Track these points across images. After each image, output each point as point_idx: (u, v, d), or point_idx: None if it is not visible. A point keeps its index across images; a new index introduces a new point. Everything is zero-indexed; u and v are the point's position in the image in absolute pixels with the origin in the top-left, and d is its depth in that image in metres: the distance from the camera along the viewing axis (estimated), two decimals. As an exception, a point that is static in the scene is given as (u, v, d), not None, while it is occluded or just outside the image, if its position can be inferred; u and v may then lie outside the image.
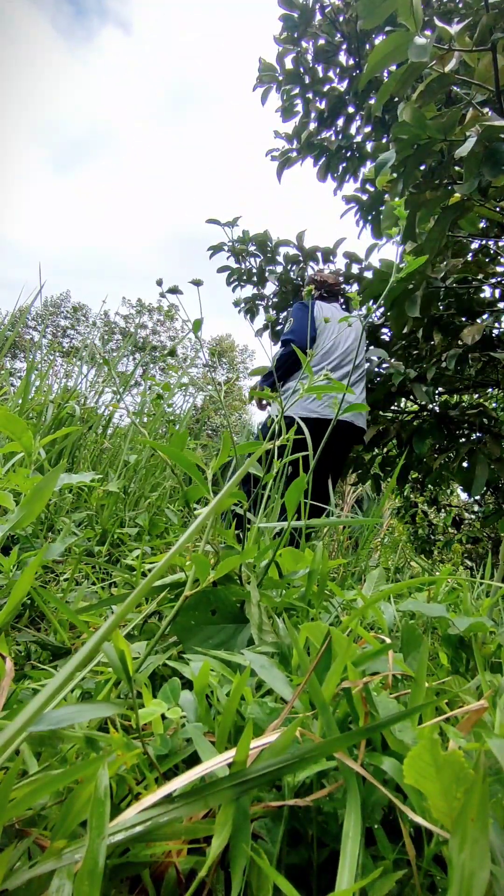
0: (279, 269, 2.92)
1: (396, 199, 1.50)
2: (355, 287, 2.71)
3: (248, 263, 2.95)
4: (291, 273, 2.89)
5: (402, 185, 1.47)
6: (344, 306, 2.25)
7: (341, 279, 2.38)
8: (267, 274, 2.93)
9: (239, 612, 0.56)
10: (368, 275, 2.67)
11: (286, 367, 2.02)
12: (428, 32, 1.31)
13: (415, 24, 1.22)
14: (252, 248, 2.86)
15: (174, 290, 0.75)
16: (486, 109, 1.39)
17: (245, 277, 2.97)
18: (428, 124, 1.34)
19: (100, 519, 1.03)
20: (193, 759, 0.35)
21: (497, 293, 2.09)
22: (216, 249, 2.92)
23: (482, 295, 2.06)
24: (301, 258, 2.84)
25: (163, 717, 0.37)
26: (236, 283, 3.01)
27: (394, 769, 0.29)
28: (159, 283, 0.75)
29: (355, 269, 2.72)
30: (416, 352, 2.37)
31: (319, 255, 2.80)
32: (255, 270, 2.93)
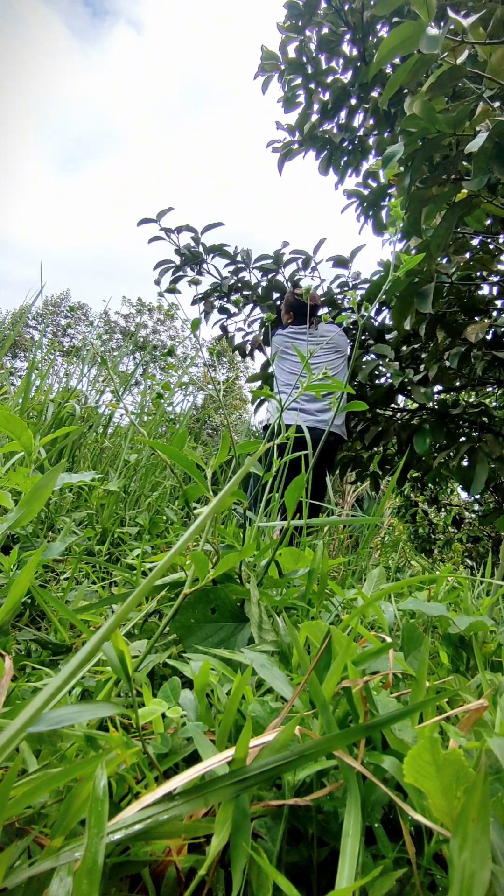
0: (257, 281, 2.74)
1: (403, 193, 1.49)
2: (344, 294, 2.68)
3: (200, 269, 2.73)
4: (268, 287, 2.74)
5: (410, 180, 1.45)
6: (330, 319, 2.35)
7: (313, 293, 2.38)
8: (264, 295, 2.74)
9: (239, 610, 0.56)
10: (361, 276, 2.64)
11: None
12: (434, 23, 1.30)
13: (427, 13, 1.20)
14: (213, 259, 2.66)
15: (172, 290, 0.75)
16: (496, 104, 1.38)
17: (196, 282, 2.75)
18: (438, 118, 1.33)
19: (100, 518, 1.03)
20: (193, 758, 0.35)
21: (495, 291, 2.08)
22: (156, 239, 2.60)
23: (481, 293, 2.05)
24: (277, 267, 2.70)
25: (163, 716, 0.37)
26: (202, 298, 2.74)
27: (394, 768, 0.29)
28: (157, 282, 0.75)
29: (343, 273, 2.66)
30: (423, 354, 2.36)
31: (300, 261, 2.69)
32: (221, 281, 2.73)
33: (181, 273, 2.78)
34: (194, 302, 2.91)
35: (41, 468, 1.06)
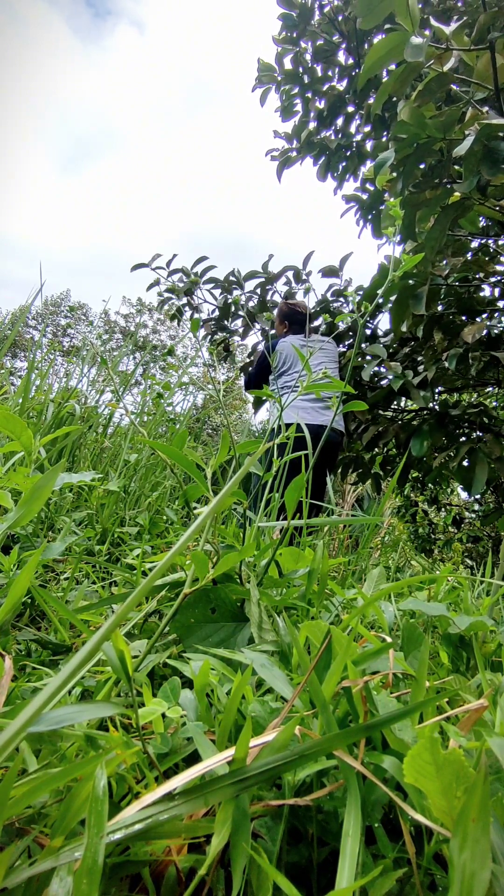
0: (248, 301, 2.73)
1: (396, 198, 1.50)
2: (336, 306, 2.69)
3: (196, 298, 2.69)
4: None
5: (402, 185, 1.47)
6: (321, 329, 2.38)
7: (304, 303, 2.40)
8: (258, 316, 2.73)
9: (238, 610, 0.56)
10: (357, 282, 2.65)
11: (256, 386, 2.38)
12: (426, 32, 1.31)
13: (412, 23, 1.22)
14: (207, 286, 2.62)
15: (171, 290, 0.75)
16: (485, 108, 1.39)
17: (186, 306, 2.67)
18: (427, 123, 1.34)
19: (100, 518, 1.03)
20: (193, 758, 0.35)
21: (497, 292, 2.08)
22: (152, 285, 2.53)
23: (481, 294, 2.05)
24: (269, 286, 2.69)
25: (163, 715, 0.37)
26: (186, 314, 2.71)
27: (394, 767, 0.29)
28: (157, 282, 0.75)
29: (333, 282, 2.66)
30: (420, 357, 2.37)
31: (291, 275, 2.68)
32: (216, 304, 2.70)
33: (179, 305, 2.79)
34: (206, 331, 2.93)
35: (41, 468, 1.06)
